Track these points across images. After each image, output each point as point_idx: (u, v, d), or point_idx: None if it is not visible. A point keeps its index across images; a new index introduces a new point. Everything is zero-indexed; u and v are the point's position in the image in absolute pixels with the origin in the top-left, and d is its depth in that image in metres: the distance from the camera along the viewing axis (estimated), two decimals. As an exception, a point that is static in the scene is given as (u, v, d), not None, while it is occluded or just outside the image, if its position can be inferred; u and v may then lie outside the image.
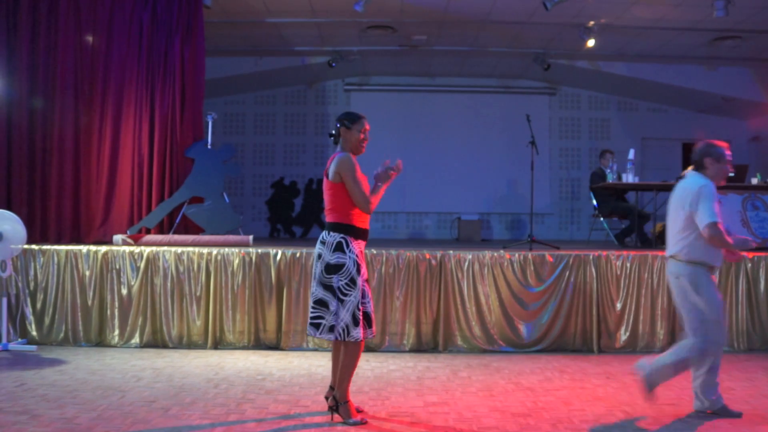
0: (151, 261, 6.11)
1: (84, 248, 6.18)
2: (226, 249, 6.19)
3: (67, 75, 7.29)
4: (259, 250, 6.15)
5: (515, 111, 11.88)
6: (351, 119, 3.99)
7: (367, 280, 3.90)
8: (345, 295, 3.76)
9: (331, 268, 3.78)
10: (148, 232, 7.08)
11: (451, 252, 6.15)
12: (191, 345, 6.06)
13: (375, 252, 6.12)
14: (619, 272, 6.16)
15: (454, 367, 5.37)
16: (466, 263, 6.09)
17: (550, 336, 6.09)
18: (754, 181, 7.88)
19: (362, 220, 3.91)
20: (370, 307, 3.88)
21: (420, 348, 6.07)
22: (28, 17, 7.27)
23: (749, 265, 6.21)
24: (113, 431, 3.65)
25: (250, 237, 6.86)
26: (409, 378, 5.00)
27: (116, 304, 6.10)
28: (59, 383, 4.68)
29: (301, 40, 10.64)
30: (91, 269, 6.12)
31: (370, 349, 6.02)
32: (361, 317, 3.78)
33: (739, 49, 10.27)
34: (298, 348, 6.03)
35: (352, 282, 3.77)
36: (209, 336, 6.03)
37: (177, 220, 7.18)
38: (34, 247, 6.15)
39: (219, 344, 6.06)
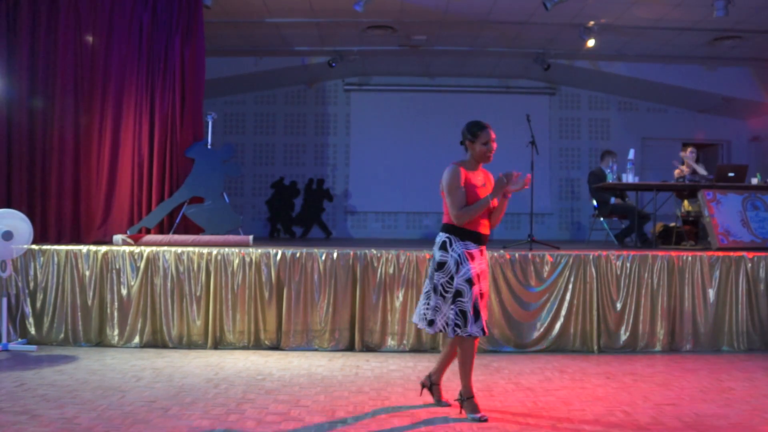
0: (151, 261, 6.11)
1: (84, 248, 6.18)
2: (226, 249, 6.19)
3: (67, 75, 7.29)
4: (259, 250, 6.15)
5: (515, 111, 11.87)
6: (473, 132, 4.06)
7: (470, 280, 3.86)
8: (446, 292, 3.89)
9: (437, 266, 3.94)
10: (148, 232, 7.08)
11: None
12: (191, 345, 6.06)
13: (375, 252, 6.12)
14: (619, 272, 6.16)
15: (454, 367, 5.35)
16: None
17: (550, 336, 6.09)
18: (754, 181, 7.88)
19: (471, 224, 3.95)
20: (469, 306, 3.85)
21: (420, 348, 6.07)
22: (28, 17, 7.27)
23: (749, 265, 6.21)
24: (113, 431, 3.65)
25: (250, 237, 6.86)
26: (409, 378, 5.00)
27: (116, 304, 6.10)
28: (59, 383, 4.68)
29: (301, 40, 10.65)
30: (91, 269, 6.12)
31: (370, 349, 6.02)
32: (453, 315, 3.85)
33: (739, 49, 10.28)
34: (298, 348, 6.03)
35: (451, 280, 3.87)
36: (209, 336, 6.03)
37: (177, 220, 7.18)
38: (34, 247, 6.15)
39: (219, 344, 6.06)
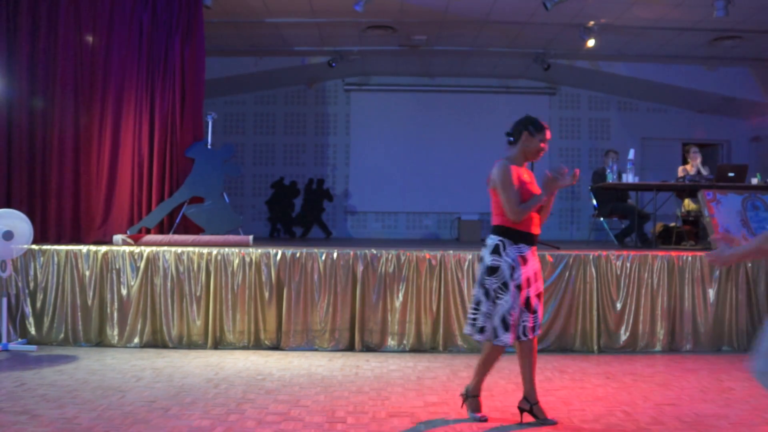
0: (151, 261, 6.11)
1: (84, 248, 6.18)
2: (226, 249, 6.19)
3: (67, 75, 7.29)
4: (259, 250, 6.15)
5: (515, 111, 11.86)
6: (537, 127, 3.90)
7: (520, 286, 3.74)
8: (498, 298, 3.73)
9: (489, 270, 3.77)
10: (148, 232, 7.08)
11: (451, 252, 6.15)
12: (191, 345, 6.06)
13: (375, 252, 6.12)
14: (619, 272, 6.16)
15: (454, 367, 5.37)
16: (466, 263, 6.09)
17: (550, 336, 6.09)
18: (754, 181, 7.88)
19: (524, 224, 3.80)
20: (516, 314, 3.73)
21: (420, 348, 6.07)
22: (28, 17, 7.27)
23: (749, 265, 6.21)
24: (113, 431, 3.65)
25: (250, 237, 6.86)
26: (409, 378, 5.00)
27: (116, 304, 6.10)
28: (59, 383, 4.68)
29: (301, 40, 10.65)
30: (91, 269, 6.12)
31: (370, 349, 6.02)
32: (512, 323, 3.71)
33: (739, 49, 10.28)
34: (298, 348, 6.03)
35: (505, 286, 3.72)
36: (209, 336, 6.03)
37: (177, 220, 7.18)
38: (34, 247, 6.15)
39: (219, 344, 6.06)
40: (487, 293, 3.78)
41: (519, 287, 3.74)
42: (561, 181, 3.82)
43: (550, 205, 3.93)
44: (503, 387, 4.76)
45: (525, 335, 3.79)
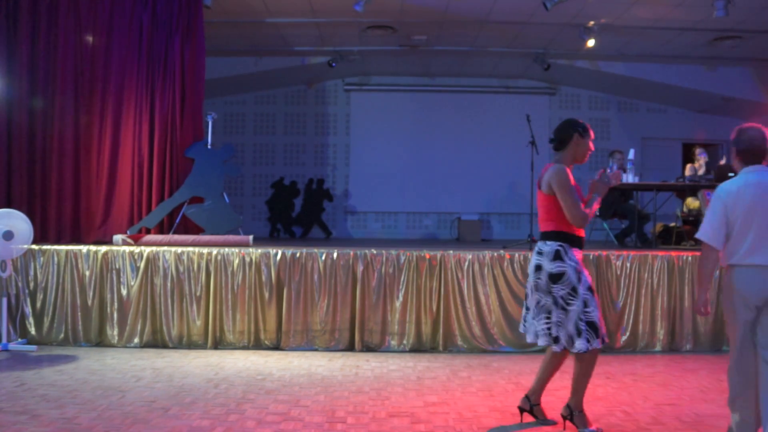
0: (151, 261, 6.11)
1: (84, 248, 6.18)
2: (226, 249, 6.19)
3: (67, 75, 7.29)
4: (259, 250, 6.15)
5: (515, 111, 11.88)
6: (585, 128, 3.87)
7: (591, 288, 3.67)
8: (568, 304, 3.62)
9: (554, 278, 3.64)
10: (148, 232, 7.08)
11: (451, 252, 6.15)
12: (191, 345, 6.06)
13: (375, 252, 6.12)
14: (619, 272, 6.16)
15: (454, 367, 5.38)
16: (466, 263, 6.09)
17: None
18: (754, 181, 7.85)
19: (576, 228, 3.73)
20: (596, 316, 3.63)
21: (420, 348, 6.07)
22: (28, 17, 7.27)
23: (749, 265, 6.20)
24: (113, 431, 3.65)
25: (250, 237, 6.86)
26: (409, 378, 5.00)
27: (116, 304, 6.10)
28: (59, 383, 4.68)
29: (301, 40, 10.65)
30: (91, 269, 6.12)
31: (370, 349, 6.02)
32: (584, 327, 3.60)
33: (739, 49, 10.28)
34: (298, 348, 6.03)
35: (574, 291, 3.61)
36: (209, 336, 6.03)
37: (177, 220, 7.18)
38: (34, 247, 6.15)
39: (219, 344, 6.06)
40: (555, 301, 3.65)
41: (590, 289, 3.66)
42: (610, 184, 3.80)
43: (595, 208, 3.83)
44: (503, 387, 4.76)
45: (604, 337, 3.70)
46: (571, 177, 3.72)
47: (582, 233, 3.77)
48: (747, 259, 3.22)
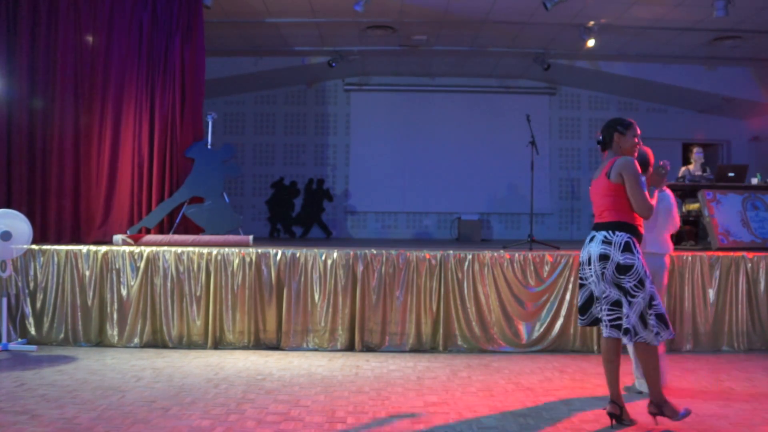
0: (151, 261, 6.11)
1: (84, 248, 6.18)
2: (226, 249, 6.19)
3: (67, 75, 7.29)
4: (259, 250, 6.15)
5: (515, 111, 11.89)
6: (624, 125, 3.95)
7: (652, 282, 3.72)
8: (633, 296, 3.65)
9: (622, 269, 3.67)
10: (148, 232, 7.08)
11: (451, 252, 6.15)
12: (191, 345, 6.06)
13: (375, 252, 6.12)
14: (619, 272, 6.14)
15: (454, 367, 5.37)
16: (466, 263, 6.09)
17: (550, 336, 6.08)
18: (754, 181, 7.88)
19: (641, 223, 3.81)
20: (663, 309, 3.70)
21: (420, 348, 6.06)
22: (28, 17, 7.27)
23: (749, 265, 6.21)
24: (113, 431, 3.65)
25: (250, 237, 6.86)
26: (409, 378, 5.00)
27: (116, 304, 6.10)
28: (59, 383, 4.68)
29: (301, 40, 10.66)
30: (91, 269, 6.12)
31: (370, 349, 6.02)
32: (653, 319, 3.65)
33: (739, 49, 10.28)
34: (298, 348, 6.03)
35: (641, 283, 3.64)
36: (209, 336, 6.03)
37: (177, 220, 7.18)
38: (34, 247, 6.15)
39: (219, 344, 6.06)
40: (625, 292, 3.68)
41: (652, 284, 3.72)
42: (666, 175, 3.93)
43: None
44: (503, 387, 4.76)
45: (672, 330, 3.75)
46: (655, 168, 3.95)
47: (641, 226, 3.84)
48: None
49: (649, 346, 3.70)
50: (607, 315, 3.78)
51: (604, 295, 3.78)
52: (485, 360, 5.69)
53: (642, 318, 3.65)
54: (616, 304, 3.74)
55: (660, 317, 3.67)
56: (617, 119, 4.02)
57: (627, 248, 3.68)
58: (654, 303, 3.67)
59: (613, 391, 3.83)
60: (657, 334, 3.66)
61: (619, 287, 3.70)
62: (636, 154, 3.95)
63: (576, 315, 6.10)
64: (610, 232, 3.73)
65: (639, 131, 3.99)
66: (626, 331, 3.69)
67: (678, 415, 3.72)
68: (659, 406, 3.78)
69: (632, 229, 3.74)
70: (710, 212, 7.13)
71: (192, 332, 6.08)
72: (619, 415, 3.82)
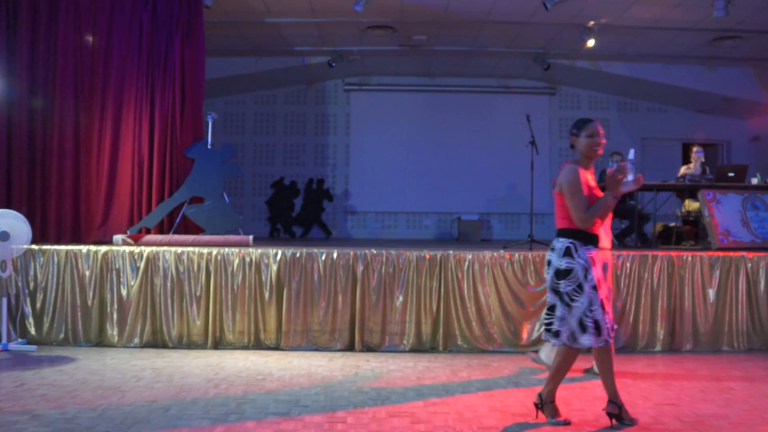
0: (151, 261, 6.11)
1: (84, 248, 6.18)
2: (226, 249, 6.19)
3: (67, 75, 7.29)
4: (259, 250, 6.15)
5: (515, 111, 11.89)
6: (578, 125, 3.92)
7: (596, 287, 3.70)
8: (572, 300, 3.70)
9: (560, 274, 3.73)
10: (148, 232, 7.08)
11: (451, 252, 6.15)
12: (191, 345, 6.06)
13: (375, 252, 6.12)
14: (619, 272, 6.15)
15: (454, 367, 5.37)
16: (466, 263, 6.09)
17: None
18: (754, 181, 7.88)
19: (591, 226, 3.76)
20: (599, 315, 3.68)
21: (420, 348, 6.06)
22: (28, 17, 7.27)
23: (749, 265, 6.21)
24: (113, 431, 3.65)
25: (250, 237, 6.86)
26: (409, 378, 5.00)
27: (116, 304, 6.09)
28: (59, 383, 4.68)
29: (301, 40, 10.66)
30: (91, 269, 6.12)
31: (370, 349, 6.02)
32: (591, 324, 3.66)
33: (739, 49, 10.28)
34: (298, 348, 6.03)
35: (579, 288, 3.69)
36: (209, 336, 6.02)
37: (177, 220, 7.18)
38: (34, 247, 6.15)
39: (219, 344, 6.06)
40: (560, 297, 3.74)
41: (595, 288, 3.70)
42: (624, 181, 3.76)
43: (612, 207, 3.82)
44: (503, 387, 4.76)
45: (608, 337, 3.73)
46: (584, 177, 3.78)
47: (597, 230, 3.79)
48: None
49: (600, 348, 3.72)
50: (545, 319, 3.88)
51: (548, 301, 3.87)
52: (485, 360, 5.69)
53: (581, 323, 3.68)
54: (552, 309, 3.81)
55: (596, 323, 3.66)
56: (577, 120, 3.99)
57: (567, 253, 3.73)
58: (593, 308, 3.67)
59: (610, 390, 3.83)
60: (595, 337, 3.65)
61: (556, 292, 3.76)
62: (598, 154, 3.91)
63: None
64: (556, 238, 3.82)
65: (599, 131, 3.91)
66: (555, 334, 3.76)
67: (552, 420, 3.81)
68: (618, 407, 3.81)
69: (576, 234, 3.75)
70: (710, 212, 7.13)
71: (192, 332, 6.08)
72: (618, 414, 3.81)
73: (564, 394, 4.56)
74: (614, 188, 3.73)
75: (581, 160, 3.90)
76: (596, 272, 3.72)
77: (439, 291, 6.07)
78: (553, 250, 3.80)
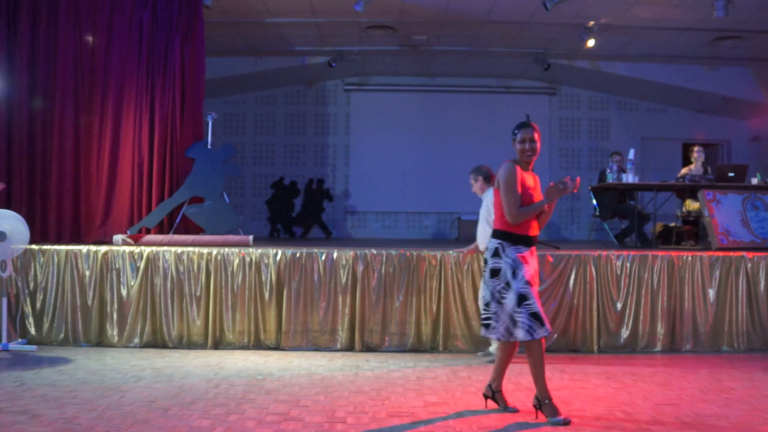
0: (151, 261, 6.11)
1: (84, 248, 6.18)
2: (226, 249, 6.19)
3: (67, 75, 7.29)
4: (259, 250, 6.15)
5: (515, 111, 11.88)
6: (516, 128, 3.98)
7: (529, 282, 3.82)
8: (503, 298, 3.85)
9: (492, 272, 3.90)
10: (148, 232, 7.08)
11: (451, 252, 6.15)
12: (191, 345, 6.06)
13: (375, 252, 6.12)
14: (619, 272, 6.15)
15: (454, 367, 5.37)
16: (466, 263, 6.09)
17: (550, 336, 6.07)
18: (754, 181, 7.88)
19: (521, 227, 3.87)
20: (536, 307, 3.80)
21: (420, 348, 6.06)
22: (28, 17, 7.27)
23: (749, 265, 6.21)
24: (113, 431, 3.65)
25: (250, 237, 6.86)
26: (409, 378, 5.00)
27: (116, 304, 6.09)
28: (59, 383, 4.68)
29: (301, 40, 10.66)
30: (91, 269, 6.12)
31: (370, 349, 6.02)
32: (524, 317, 3.79)
33: (739, 49, 10.28)
34: (298, 348, 6.03)
35: (508, 285, 3.83)
36: (209, 336, 6.02)
37: (177, 220, 7.18)
38: (34, 247, 6.15)
39: (219, 344, 6.06)
40: (492, 294, 3.91)
41: (528, 283, 3.81)
42: (565, 191, 3.82)
43: (550, 212, 3.99)
44: (503, 387, 4.75)
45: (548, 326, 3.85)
46: (522, 176, 3.87)
47: (530, 232, 3.90)
48: None
49: (530, 343, 3.83)
50: (482, 314, 4.06)
51: (482, 298, 4.08)
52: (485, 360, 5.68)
53: (512, 318, 3.83)
54: (488, 305, 3.97)
55: (534, 315, 3.79)
56: (518, 122, 4.04)
57: (495, 253, 3.89)
58: (526, 302, 3.80)
59: (538, 385, 3.92)
60: (529, 331, 3.78)
61: (490, 290, 3.93)
62: (526, 159, 3.95)
63: (575, 315, 6.12)
64: (490, 239, 3.98)
65: (532, 136, 3.92)
66: (491, 329, 3.96)
67: (554, 418, 3.83)
68: (540, 402, 3.90)
69: (503, 235, 3.89)
70: (710, 212, 7.13)
71: (192, 332, 6.08)
72: (491, 396, 4.07)
73: (564, 394, 4.56)
74: (551, 197, 3.83)
75: (519, 161, 3.98)
76: (528, 270, 3.85)
77: (439, 291, 6.07)
78: (487, 249, 3.98)
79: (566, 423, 3.81)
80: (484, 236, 5.45)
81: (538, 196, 3.92)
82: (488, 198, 5.58)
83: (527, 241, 3.90)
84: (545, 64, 11.16)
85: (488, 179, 5.85)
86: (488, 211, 5.48)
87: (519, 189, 3.83)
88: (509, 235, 3.88)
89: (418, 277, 6.07)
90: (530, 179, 3.96)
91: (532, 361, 3.89)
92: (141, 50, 7.35)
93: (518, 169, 3.89)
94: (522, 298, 3.80)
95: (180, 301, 6.08)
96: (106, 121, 7.29)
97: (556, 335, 6.08)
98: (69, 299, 6.10)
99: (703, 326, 6.15)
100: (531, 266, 3.88)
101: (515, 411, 4.04)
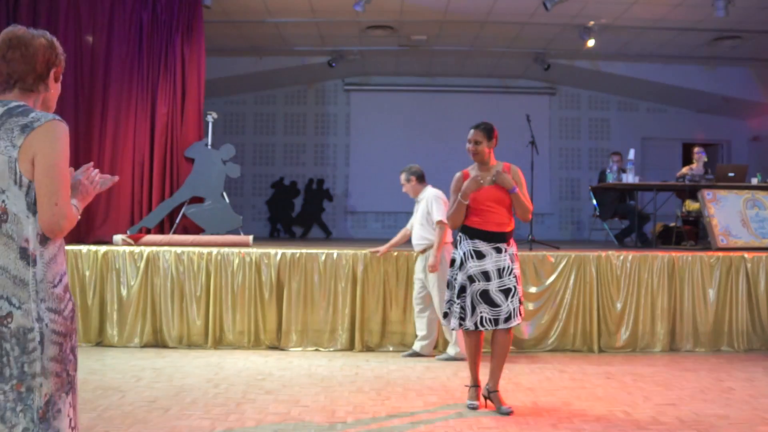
0: (151, 261, 6.11)
1: (84, 248, 6.18)
2: (226, 249, 6.19)
3: (67, 75, 7.26)
4: (259, 250, 6.15)
5: (515, 111, 11.87)
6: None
7: (471, 277, 4.02)
8: (449, 286, 4.16)
9: (451, 262, 4.21)
10: (148, 232, 7.08)
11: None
12: (191, 345, 6.06)
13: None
14: (619, 272, 6.16)
15: (454, 367, 5.37)
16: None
17: (550, 336, 6.09)
18: (754, 181, 7.88)
19: (477, 222, 4.09)
20: (467, 302, 4.02)
21: (420, 348, 6.06)
22: (28, 17, 7.26)
23: (749, 265, 6.21)
24: (113, 431, 3.65)
25: (250, 237, 6.86)
26: (409, 378, 5.00)
27: (116, 304, 6.09)
28: (59, 383, 4.68)
29: (301, 40, 10.65)
30: (91, 269, 6.12)
31: (370, 349, 6.02)
32: (455, 309, 4.05)
33: (739, 49, 10.28)
34: (298, 348, 6.03)
35: (455, 276, 4.10)
36: (209, 336, 6.02)
37: (177, 220, 7.18)
38: (34, 247, 6.13)
39: (219, 344, 6.06)
40: (449, 283, 4.19)
41: (471, 278, 4.02)
42: (482, 185, 4.07)
43: (519, 203, 4.14)
44: (503, 387, 4.73)
45: (482, 325, 4.00)
46: (462, 181, 4.15)
47: (487, 227, 4.07)
48: None
49: (470, 332, 4.09)
50: (446, 304, 4.28)
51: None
52: (485, 360, 5.67)
53: (462, 309, 4.05)
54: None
55: (463, 309, 4.03)
56: None
57: (455, 244, 4.27)
58: (464, 295, 4.02)
59: (472, 373, 4.21)
60: (460, 320, 4.03)
61: (447, 277, 4.23)
62: (474, 159, 4.21)
63: (575, 315, 6.12)
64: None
65: (470, 135, 4.21)
66: (445, 316, 4.23)
67: (500, 408, 4.03)
68: (489, 392, 4.13)
69: (463, 228, 4.15)
70: (710, 212, 7.13)
71: (192, 332, 6.08)
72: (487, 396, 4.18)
73: (564, 394, 4.57)
74: (465, 193, 4.06)
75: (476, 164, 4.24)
76: (479, 265, 4.00)
77: (439, 291, 6.06)
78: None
79: (507, 412, 3.97)
80: (418, 237, 5.74)
81: (497, 193, 4.09)
82: (428, 198, 6.04)
83: (484, 236, 4.06)
84: (545, 64, 11.15)
85: (421, 178, 6.35)
86: (428, 212, 5.86)
87: (465, 196, 4.04)
88: (465, 229, 4.13)
89: (418, 277, 6.06)
90: (485, 179, 4.13)
91: (465, 348, 4.22)
92: (141, 50, 7.35)
93: (465, 173, 4.19)
94: (462, 290, 4.01)
95: (180, 301, 6.08)
96: (106, 121, 7.29)
97: (555, 335, 6.08)
98: (69, 299, 6.09)
99: (703, 326, 6.15)
100: (488, 261, 4.01)
101: (509, 412, 4.02)
